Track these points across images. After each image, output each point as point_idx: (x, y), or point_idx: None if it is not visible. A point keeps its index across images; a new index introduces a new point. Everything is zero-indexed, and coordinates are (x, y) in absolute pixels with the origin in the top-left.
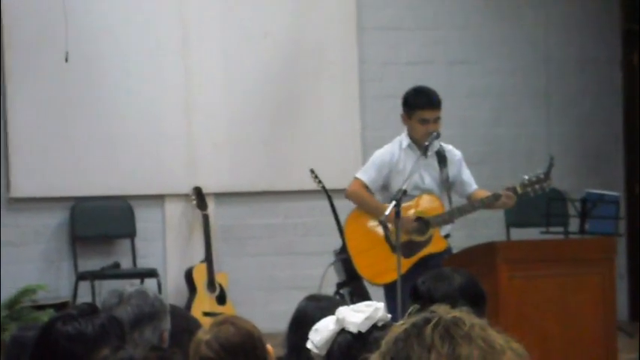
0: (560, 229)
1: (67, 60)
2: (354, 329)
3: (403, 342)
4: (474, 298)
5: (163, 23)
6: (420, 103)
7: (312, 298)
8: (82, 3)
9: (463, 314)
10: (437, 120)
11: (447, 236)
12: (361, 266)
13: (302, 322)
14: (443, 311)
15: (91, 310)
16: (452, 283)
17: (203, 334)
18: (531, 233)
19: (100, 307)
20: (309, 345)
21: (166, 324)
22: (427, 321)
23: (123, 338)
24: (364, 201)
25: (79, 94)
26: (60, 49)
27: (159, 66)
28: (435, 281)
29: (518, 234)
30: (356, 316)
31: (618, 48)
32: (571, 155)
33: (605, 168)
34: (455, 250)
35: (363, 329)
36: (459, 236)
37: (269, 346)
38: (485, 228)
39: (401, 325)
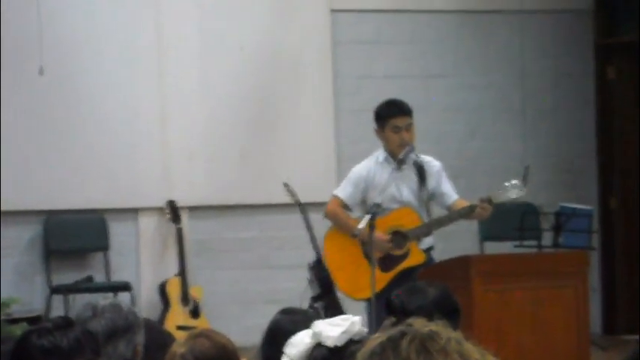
0: (534, 242)
1: (41, 74)
2: (330, 343)
3: (379, 355)
4: (448, 311)
5: (139, 36)
6: (390, 112)
7: (286, 312)
8: (57, 17)
9: (439, 328)
10: (409, 127)
11: (429, 249)
12: (341, 282)
13: (276, 335)
14: (419, 325)
15: (65, 323)
16: (426, 296)
17: (178, 347)
18: (505, 247)
19: (74, 320)
20: (284, 359)
21: (140, 337)
22: (403, 334)
23: (97, 352)
24: (339, 221)
25: (53, 107)
26: (34, 62)
27: (134, 79)
28: (408, 294)
29: (493, 247)
30: (333, 330)
31: (592, 62)
32: (546, 169)
33: (580, 182)
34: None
35: (340, 343)
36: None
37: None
38: (460, 241)
39: (377, 339)
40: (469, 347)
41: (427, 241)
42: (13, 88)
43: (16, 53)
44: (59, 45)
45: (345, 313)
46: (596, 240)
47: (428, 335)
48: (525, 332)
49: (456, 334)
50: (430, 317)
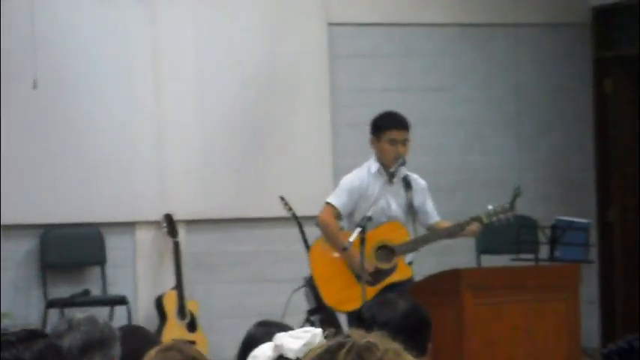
0: (531, 255)
1: (35, 87)
2: (292, 356)
3: None
4: (418, 324)
5: (135, 49)
6: (389, 124)
7: (262, 324)
8: (52, 29)
9: (378, 339)
10: (405, 142)
11: (410, 263)
12: (326, 294)
13: (251, 347)
14: (357, 336)
15: (30, 336)
16: (396, 308)
17: None
18: (502, 260)
19: (50, 334)
20: None
21: (116, 351)
22: (341, 345)
23: None
24: (330, 232)
25: (49, 120)
26: (29, 75)
27: (130, 92)
28: (379, 307)
29: (489, 261)
30: (294, 342)
31: (589, 76)
32: (543, 183)
33: (578, 195)
34: (418, 278)
35: (301, 355)
36: (429, 263)
37: None
38: (456, 255)
39: (316, 350)
40: (408, 358)
41: (409, 256)
42: (8, 102)
43: (10, 66)
44: (54, 58)
45: (340, 327)
46: (594, 253)
47: (365, 346)
48: (516, 346)
49: (394, 346)
50: (399, 330)
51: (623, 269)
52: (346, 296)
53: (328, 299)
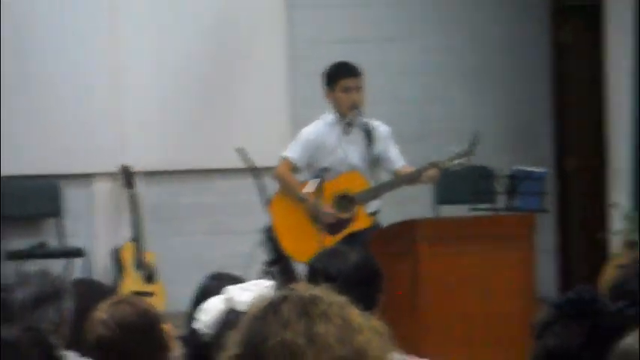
0: (489, 205)
1: None
2: (242, 308)
3: (261, 320)
4: (369, 276)
5: (92, 1)
6: (340, 73)
7: (214, 277)
8: None
9: (322, 292)
10: (359, 89)
11: (375, 212)
12: (287, 245)
13: (204, 299)
14: (302, 289)
15: None
16: (347, 260)
17: (99, 313)
18: (460, 210)
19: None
20: (197, 325)
21: (68, 304)
22: (285, 298)
23: (11, 319)
24: (287, 184)
25: (4, 73)
26: None
27: (88, 43)
28: (330, 259)
29: (447, 211)
30: (244, 294)
31: (547, 25)
32: (501, 133)
33: (535, 145)
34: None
35: None
36: (387, 213)
37: (167, 326)
38: (414, 205)
39: (260, 302)
40: (352, 312)
41: (373, 205)
42: None
43: None
44: (14, 10)
45: (299, 278)
46: (551, 202)
47: (309, 299)
48: (472, 296)
49: (339, 299)
50: (350, 281)
51: (579, 218)
52: (306, 247)
53: (289, 250)
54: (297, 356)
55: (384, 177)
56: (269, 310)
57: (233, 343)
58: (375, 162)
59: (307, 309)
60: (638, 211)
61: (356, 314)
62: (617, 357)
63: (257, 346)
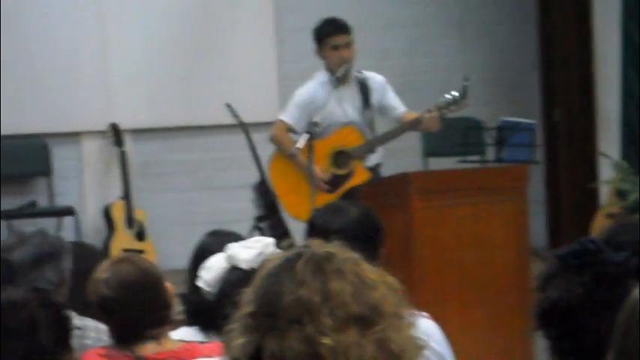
0: (478, 157)
1: None
2: (245, 266)
3: (275, 277)
4: (370, 231)
5: None
6: (329, 30)
7: (213, 234)
8: None
9: (337, 249)
10: (349, 45)
11: (377, 166)
12: (288, 205)
13: (203, 258)
14: (316, 246)
15: None
16: (348, 215)
17: (101, 273)
18: (448, 163)
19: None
20: (199, 283)
21: (67, 263)
22: (299, 256)
23: (12, 279)
24: (282, 146)
25: None
26: None
27: (73, 1)
28: (330, 214)
29: (436, 164)
30: (246, 252)
31: None
32: (487, 84)
33: (522, 96)
34: None
35: (255, 265)
36: None
37: (168, 284)
38: (404, 158)
39: (274, 260)
40: (367, 268)
41: (374, 159)
42: None
43: None
44: None
45: (289, 234)
46: (540, 153)
47: (324, 256)
48: (465, 248)
49: (353, 256)
50: (351, 237)
51: (568, 169)
52: (308, 206)
53: (290, 211)
54: (313, 313)
55: (383, 128)
56: (283, 267)
57: (247, 301)
58: (372, 114)
59: (322, 266)
60: (627, 160)
61: (370, 270)
62: (629, 310)
63: (272, 303)
